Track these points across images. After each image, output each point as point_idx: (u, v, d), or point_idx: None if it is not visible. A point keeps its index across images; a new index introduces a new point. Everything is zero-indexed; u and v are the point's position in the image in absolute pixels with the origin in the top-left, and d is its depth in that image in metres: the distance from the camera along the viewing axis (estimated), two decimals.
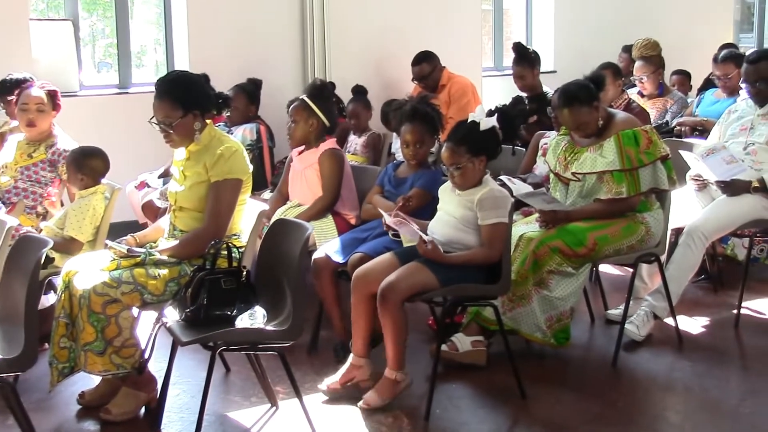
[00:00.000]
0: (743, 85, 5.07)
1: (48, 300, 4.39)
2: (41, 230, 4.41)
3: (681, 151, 4.91)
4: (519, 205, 4.42)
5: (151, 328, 3.84)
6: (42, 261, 3.24)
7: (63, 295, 3.68)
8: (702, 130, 6.20)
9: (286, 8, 7.11)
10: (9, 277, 3.39)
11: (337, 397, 3.94)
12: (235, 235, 3.92)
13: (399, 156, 5.20)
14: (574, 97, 4.37)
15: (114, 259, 3.73)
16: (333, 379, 4.00)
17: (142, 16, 9.40)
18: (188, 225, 3.90)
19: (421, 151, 4.44)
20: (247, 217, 4.00)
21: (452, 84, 6.75)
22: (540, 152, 5.00)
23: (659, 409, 3.92)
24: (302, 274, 3.50)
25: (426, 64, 6.73)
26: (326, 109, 4.89)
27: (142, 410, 3.83)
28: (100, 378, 3.86)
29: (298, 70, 7.19)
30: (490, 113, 4.08)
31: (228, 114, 5.43)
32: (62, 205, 4.96)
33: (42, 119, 4.89)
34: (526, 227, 4.39)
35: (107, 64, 9.26)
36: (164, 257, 3.77)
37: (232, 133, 5.87)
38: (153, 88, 3.96)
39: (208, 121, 3.96)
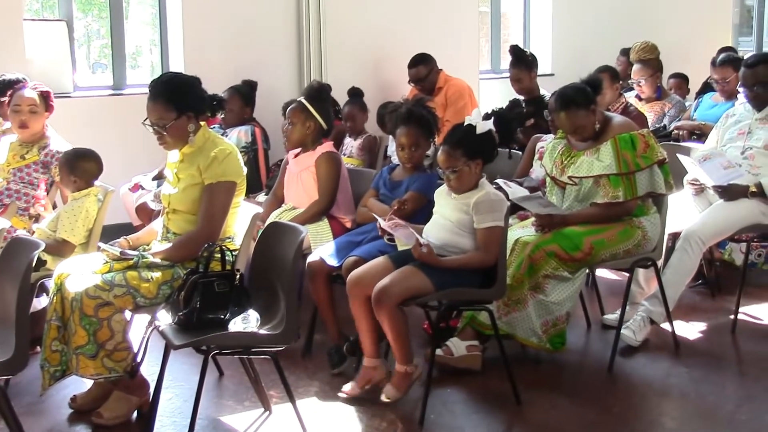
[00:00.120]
0: (741, 89, 5.06)
1: (40, 303, 4.36)
2: (34, 232, 4.38)
3: (678, 155, 4.91)
4: (515, 208, 4.40)
5: (144, 332, 3.82)
6: (34, 263, 3.22)
7: (55, 297, 3.65)
8: (700, 134, 6.19)
9: (282, 10, 7.08)
10: (0, 279, 3.36)
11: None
12: (228, 238, 3.89)
13: (395, 159, 5.17)
14: (571, 101, 4.35)
15: (107, 262, 3.71)
16: (350, 385, 3.98)
17: (137, 16, 9.39)
18: (182, 228, 3.88)
19: (417, 154, 4.41)
20: (241, 220, 3.98)
21: (449, 87, 6.73)
22: (536, 156, 4.98)
23: (655, 415, 3.90)
24: (297, 277, 3.48)
25: (422, 67, 6.70)
26: (324, 112, 4.88)
27: (135, 414, 3.80)
28: (92, 381, 3.83)
29: (294, 72, 7.16)
30: (486, 116, 4.07)
31: (223, 116, 5.42)
32: (55, 207, 4.93)
33: (34, 120, 4.86)
34: (522, 231, 4.37)
35: (102, 65, 9.22)
36: (157, 260, 3.75)
37: (226, 135, 5.84)
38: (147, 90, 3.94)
39: (202, 123, 3.93)
